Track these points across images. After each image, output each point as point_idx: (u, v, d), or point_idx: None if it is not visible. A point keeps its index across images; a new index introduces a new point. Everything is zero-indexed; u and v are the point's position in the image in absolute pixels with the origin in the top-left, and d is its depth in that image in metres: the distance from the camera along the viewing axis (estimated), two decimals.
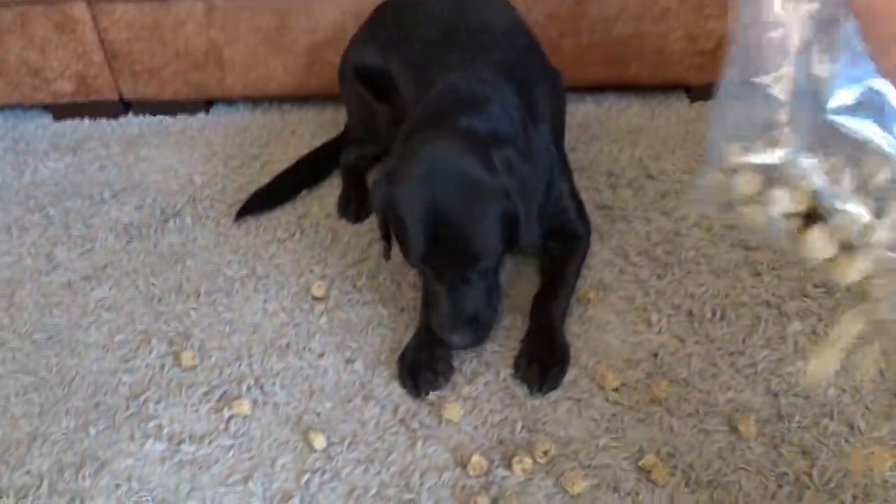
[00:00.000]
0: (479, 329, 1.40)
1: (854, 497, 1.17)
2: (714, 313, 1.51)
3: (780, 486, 1.19)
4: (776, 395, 1.34)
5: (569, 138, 2.01)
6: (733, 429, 1.27)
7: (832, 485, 1.18)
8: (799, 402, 1.32)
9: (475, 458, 1.24)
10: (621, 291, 1.59)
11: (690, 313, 1.52)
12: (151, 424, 1.36)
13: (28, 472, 1.29)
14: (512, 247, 1.41)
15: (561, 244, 1.62)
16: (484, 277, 1.39)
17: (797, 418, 1.29)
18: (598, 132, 2.16)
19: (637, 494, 1.19)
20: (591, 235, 1.68)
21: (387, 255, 1.53)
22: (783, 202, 0.77)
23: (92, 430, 1.36)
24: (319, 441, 1.29)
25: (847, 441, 1.25)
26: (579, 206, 1.67)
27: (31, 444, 1.34)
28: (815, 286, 1.56)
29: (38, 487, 1.26)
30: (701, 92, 2.26)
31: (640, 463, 1.23)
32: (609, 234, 1.75)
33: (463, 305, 1.37)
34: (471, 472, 1.24)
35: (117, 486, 1.26)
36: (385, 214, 1.42)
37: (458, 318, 1.37)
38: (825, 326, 1.46)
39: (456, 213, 1.31)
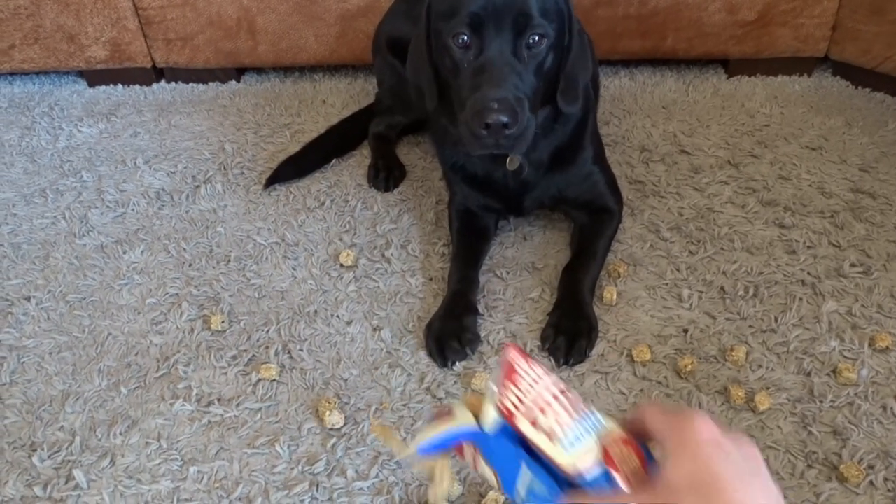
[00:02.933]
0: (519, 120, 1.26)
1: (886, 479, 1.15)
2: (747, 291, 1.49)
3: (809, 466, 1.18)
4: (808, 374, 1.31)
5: (602, 112, 1.99)
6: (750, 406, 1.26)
7: (863, 465, 1.16)
8: (832, 382, 1.30)
9: None
10: (652, 267, 1.57)
11: (722, 290, 1.50)
12: (181, 386, 1.38)
13: (61, 428, 1.31)
14: (555, 90, 1.37)
15: (592, 217, 1.60)
16: (533, 69, 1.30)
17: (830, 398, 1.27)
18: (631, 106, 2.13)
19: None
20: (623, 210, 1.66)
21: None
22: None
23: (123, 390, 1.38)
24: (335, 419, 1.28)
25: (880, 422, 1.23)
26: (611, 179, 1.65)
27: (64, 401, 1.36)
28: (853, 265, 1.53)
29: (71, 443, 1.28)
30: (740, 66, 2.22)
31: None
32: (641, 209, 1.73)
33: (508, 75, 1.26)
34: None
35: (147, 444, 1.28)
36: (429, 9, 1.36)
37: (504, 86, 1.25)
38: (861, 307, 1.44)
39: None
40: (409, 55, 1.47)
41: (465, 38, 1.30)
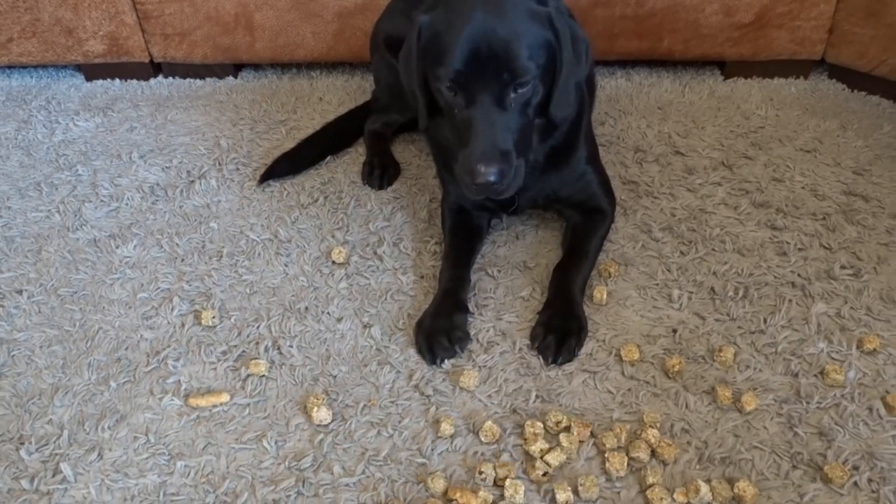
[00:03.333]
0: (509, 170, 1.31)
1: (870, 480, 1.15)
2: (736, 292, 1.49)
3: (794, 467, 1.18)
4: (796, 375, 1.32)
5: (597, 112, 1.99)
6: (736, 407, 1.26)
7: (848, 466, 1.16)
8: (819, 384, 1.30)
9: (488, 424, 1.24)
10: (643, 267, 1.57)
11: (712, 291, 1.50)
12: (170, 380, 1.38)
13: (50, 422, 1.32)
14: (547, 103, 1.38)
15: (585, 217, 1.60)
16: (521, 113, 1.34)
17: (816, 399, 1.27)
18: (627, 107, 2.13)
19: (648, 470, 1.18)
20: (616, 210, 1.66)
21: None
22: None
23: (112, 384, 1.38)
24: (322, 415, 1.29)
25: (865, 424, 1.23)
26: (604, 180, 1.65)
27: (53, 394, 1.36)
28: (843, 267, 1.53)
29: (59, 437, 1.29)
30: (736, 68, 2.22)
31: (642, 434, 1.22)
32: (633, 209, 1.73)
33: (494, 133, 1.30)
34: (483, 439, 1.24)
35: (135, 438, 1.28)
36: (421, 41, 1.37)
37: (490, 146, 1.30)
38: (850, 309, 1.44)
39: (499, 25, 1.29)
40: (401, 63, 1.48)
41: (453, 86, 1.33)
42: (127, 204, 1.85)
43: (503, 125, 1.32)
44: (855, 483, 1.14)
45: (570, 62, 1.37)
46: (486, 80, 1.30)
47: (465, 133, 1.33)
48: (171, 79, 2.41)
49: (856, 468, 1.16)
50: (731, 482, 1.15)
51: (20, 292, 1.59)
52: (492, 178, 1.30)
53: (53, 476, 1.23)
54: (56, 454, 1.26)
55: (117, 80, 2.40)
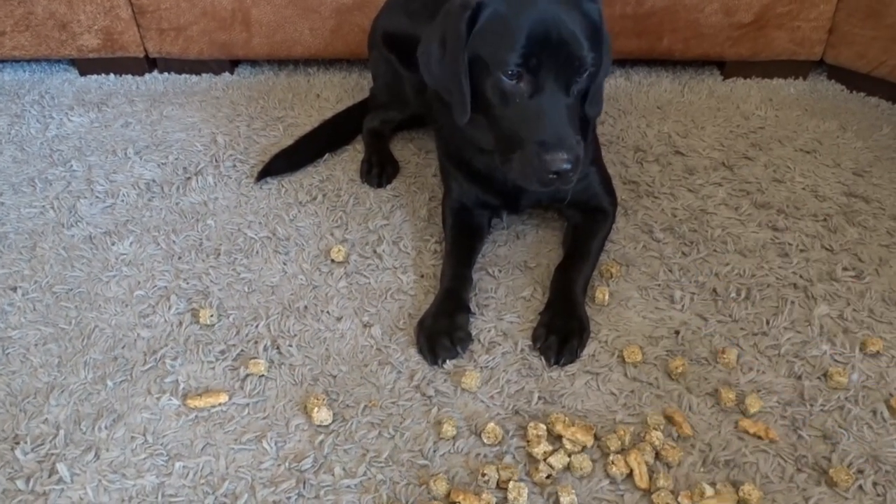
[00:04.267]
0: (579, 158, 1.32)
1: (875, 483, 1.14)
2: (739, 293, 1.48)
3: (798, 470, 1.17)
4: (800, 377, 1.31)
5: None
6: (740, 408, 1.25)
7: (853, 469, 1.16)
8: (822, 386, 1.30)
9: (490, 426, 1.23)
10: (644, 267, 1.56)
11: (714, 292, 1.49)
12: (168, 380, 1.36)
13: (45, 421, 1.30)
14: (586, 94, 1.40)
15: (586, 217, 1.59)
16: (577, 104, 1.36)
17: (820, 402, 1.27)
18: (626, 106, 2.12)
19: (652, 473, 1.17)
20: (617, 210, 1.65)
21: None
22: None
23: (109, 383, 1.36)
24: (322, 415, 1.27)
25: (870, 427, 1.23)
26: (607, 180, 1.64)
27: (49, 393, 1.34)
28: (845, 269, 1.53)
29: (55, 436, 1.27)
30: (735, 68, 2.22)
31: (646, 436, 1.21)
32: (634, 210, 1.72)
33: (564, 121, 1.31)
34: (485, 441, 1.23)
35: (132, 438, 1.26)
36: (476, 26, 1.35)
37: (564, 133, 1.30)
38: (853, 311, 1.43)
39: (564, 14, 1.31)
40: (428, 58, 1.44)
41: (518, 72, 1.32)
42: (122, 200, 1.83)
43: (570, 113, 1.33)
44: (860, 486, 1.14)
45: (608, 59, 1.41)
46: (555, 67, 1.31)
47: (534, 123, 1.32)
48: (166, 74, 2.38)
49: (861, 471, 1.16)
50: (735, 485, 1.14)
51: (14, 289, 1.57)
52: (567, 167, 1.30)
53: (49, 476, 1.21)
54: (52, 454, 1.24)
55: (112, 75, 2.38)
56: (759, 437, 1.21)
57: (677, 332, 1.41)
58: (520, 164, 1.34)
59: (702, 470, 1.18)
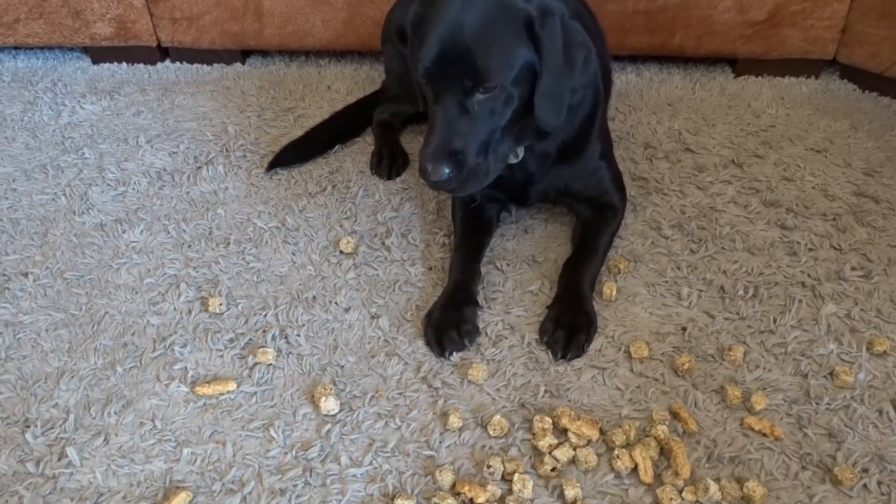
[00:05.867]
0: (461, 171, 1.30)
1: (879, 483, 1.15)
2: (746, 291, 1.49)
3: (803, 468, 1.18)
4: (806, 376, 1.31)
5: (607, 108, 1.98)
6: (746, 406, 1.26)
7: (857, 468, 1.16)
8: (828, 385, 1.30)
9: (496, 418, 1.24)
10: (652, 264, 1.57)
11: (722, 289, 1.49)
12: (177, 367, 1.37)
13: (55, 406, 1.31)
14: (527, 107, 1.33)
15: (595, 213, 1.60)
16: (486, 118, 1.30)
17: (826, 400, 1.27)
18: (637, 103, 2.12)
19: (657, 467, 1.18)
20: (626, 206, 1.65)
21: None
22: None
23: (119, 369, 1.37)
24: (330, 405, 1.28)
25: (875, 426, 1.23)
26: (617, 176, 1.64)
27: (59, 378, 1.36)
28: (853, 269, 1.53)
29: (65, 421, 1.28)
30: (747, 66, 2.22)
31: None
32: (643, 206, 1.72)
33: (450, 133, 1.29)
34: (491, 433, 1.23)
35: (141, 423, 1.27)
36: (412, 28, 1.35)
37: (440, 146, 1.29)
38: (860, 311, 1.43)
39: (470, 25, 1.26)
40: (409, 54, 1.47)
41: (424, 82, 1.33)
42: (133, 188, 1.84)
43: (461, 128, 1.30)
44: (864, 485, 1.14)
45: (557, 68, 1.31)
46: (448, 82, 1.29)
47: (429, 127, 1.34)
48: (178, 63, 2.39)
49: (865, 470, 1.16)
50: (740, 482, 1.14)
51: (26, 275, 1.58)
52: (435, 179, 1.30)
53: (59, 460, 1.22)
54: (62, 438, 1.26)
55: (124, 64, 2.38)
56: (765, 435, 1.22)
57: (684, 329, 1.42)
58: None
59: (706, 466, 1.18)
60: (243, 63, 2.38)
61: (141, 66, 2.38)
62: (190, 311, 1.49)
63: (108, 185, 1.85)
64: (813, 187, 1.77)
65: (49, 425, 1.28)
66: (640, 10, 2.11)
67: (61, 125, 2.09)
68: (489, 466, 1.17)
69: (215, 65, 2.37)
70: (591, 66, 1.38)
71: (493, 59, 1.27)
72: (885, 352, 1.35)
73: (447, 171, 1.29)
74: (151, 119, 2.11)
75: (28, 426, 1.27)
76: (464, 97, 1.29)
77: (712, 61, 2.29)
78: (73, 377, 1.36)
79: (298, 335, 1.43)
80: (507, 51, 1.28)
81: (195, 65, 2.38)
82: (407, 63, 1.85)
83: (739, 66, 2.22)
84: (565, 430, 1.22)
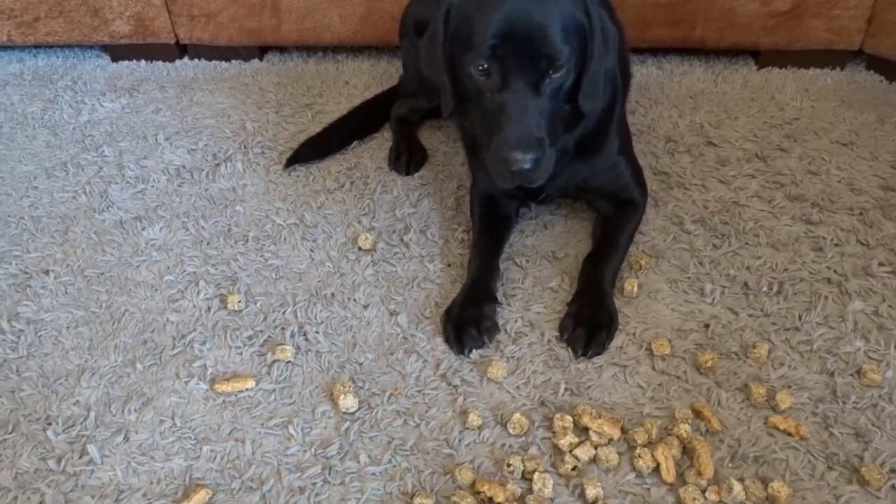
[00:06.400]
0: (543, 158, 1.28)
1: None
2: (771, 287, 1.46)
3: (829, 468, 1.15)
4: (832, 374, 1.29)
5: (628, 101, 1.95)
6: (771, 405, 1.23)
7: (885, 469, 1.13)
8: (855, 383, 1.27)
9: (516, 416, 1.23)
10: (674, 260, 1.54)
11: (746, 286, 1.47)
12: (196, 364, 1.38)
13: (76, 403, 1.32)
14: (576, 91, 1.33)
15: (616, 208, 1.58)
16: (554, 98, 1.30)
17: (853, 399, 1.24)
18: (658, 96, 2.09)
19: (679, 466, 1.16)
20: (647, 201, 1.63)
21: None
22: None
23: (139, 366, 1.38)
24: (349, 402, 1.28)
25: None
26: (637, 170, 1.62)
27: (80, 375, 1.36)
28: (881, 264, 1.49)
29: (86, 418, 1.29)
30: (771, 57, 2.18)
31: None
32: (665, 201, 1.70)
33: (532, 118, 1.27)
34: (511, 431, 1.22)
35: (161, 421, 1.28)
36: (449, 23, 1.33)
37: (525, 132, 1.26)
38: (888, 308, 1.40)
39: (534, 7, 1.25)
40: (423, 48, 1.45)
41: (486, 66, 1.29)
42: (153, 186, 1.84)
43: (537, 111, 1.28)
44: (893, 486, 1.12)
45: (601, 51, 1.33)
46: (521, 64, 1.26)
47: (498, 119, 1.29)
48: (196, 61, 2.40)
49: (893, 471, 1.14)
50: (764, 482, 1.12)
51: (47, 272, 1.59)
52: (527, 166, 1.27)
53: (80, 457, 1.23)
54: (83, 435, 1.26)
55: (143, 61, 2.40)
56: (790, 434, 1.19)
57: (707, 326, 1.39)
58: (489, 157, 1.32)
59: (730, 465, 1.16)
60: (261, 59, 2.38)
61: (160, 63, 2.39)
62: (209, 309, 1.49)
63: (128, 182, 1.86)
64: (839, 181, 1.73)
65: (70, 423, 1.28)
66: (662, 2, 2.08)
67: (81, 123, 2.11)
68: (509, 465, 1.16)
69: (233, 61, 2.37)
70: (625, 47, 1.37)
71: (561, 39, 1.27)
72: None
73: (533, 158, 1.27)
74: (170, 116, 2.12)
75: (49, 423, 1.28)
76: (536, 80, 1.28)
77: (735, 53, 2.25)
78: (93, 374, 1.37)
79: (317, 332, 1.43)
80: (570, 31, 1.28)
81: (213, 62, 2.38)
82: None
83: (762, 57, 2.18)
84: (586, 429, 1.20)
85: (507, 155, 1.27)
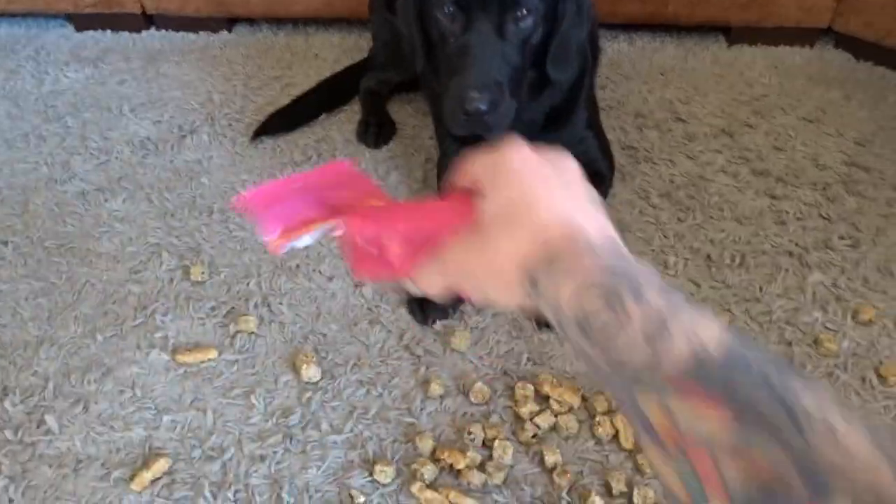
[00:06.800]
0: (499, 104, 1.24)
1: None
2: (733, 259, 1.47)
3: None
4: (790, 344, 1.31)
5: (598, 76, 1.95)
6: None
7: None
8: (812, 353, 1.29)
9: (478, 385, 1.23)
10: (640, 233, 1.55)
11: (709, 258, 1.48)
12: (157, 335, 1.36)
13: (35, 374, 1.30)
14: (544, 54, 1.30)
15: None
16: (518, 46, 1.26)
17: (809, 368, 1.26)
18: (629, 72, 2.09)
19: (637, 434, 1.17)
20: (614, 175, 1.64)
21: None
22: None
23: (99, 337, 1.36)
24: (311, 372, 1.27)
25: (858, 394, 1.22)
26: (604, 144, 1.62)
27: (38, 346, 1.34)
28: (841, 238, 1.51)
29: (44, 388, 1.27)
30: (741, 34, 2.18)
31: None
32: (632, 175, 1.70)
33: (493, 60, 1.23)
34: (473, 400, 1.23)
35: (121, 392, 1.27)
36: None
37: (483, 72, 1.23)
38: (847, 280, 1.42)
39: None
40: (399, 7, 1.43)
41: (451, 9, 1.26)
42: (116, 157, 1.81)
43: (500, 54, 1.25)
44: None
45: (573, 16, 1.32)
46: (485, 5, 1.23)
47: (460, 61, 1.26)
48: (163, 31, 2.35)
49: None
50: None
51: (6, 243, 1.56)
52: (482, 107, 1.22)
53: (38, 427, 1.21)
54: (41, 406, 1.25)
55: (108, 32, 2.34)
56: None
57: None
58: (445, 104, 1.28)
59: None
60: (230, 31, 2.34)
61: (125, 33, 2.34)
62: (172, 280, 1.48)
63: (91, 153, 1.82)
64: (804, 157, 1.75)
65: (28, 393, 1.27)
66: None
67: (44, 93, 2.06)
68: (470, 433, 1.17)
69: (201, 33, 2.33)
70: (593, 20, 1.35)
71: None
72: (869, 320, 1.34)
73: (489, 99, 1.23)
74: (136, 88, 2.08)
75: (7, 394, 1.27)
76: (500, 22, 1.25)
77: (706, 30, 2.25)
78: (52, 345, 1.35)
79: (281, 303, 1.42)
80: None
81: (181, 32, 2.34)
82: (394, 30, 1.83)
83: (733, 34, 2.18)
84: (547, 398, 1.21)
85: (464, 94, 1.23)
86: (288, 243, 0.66)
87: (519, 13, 1.25)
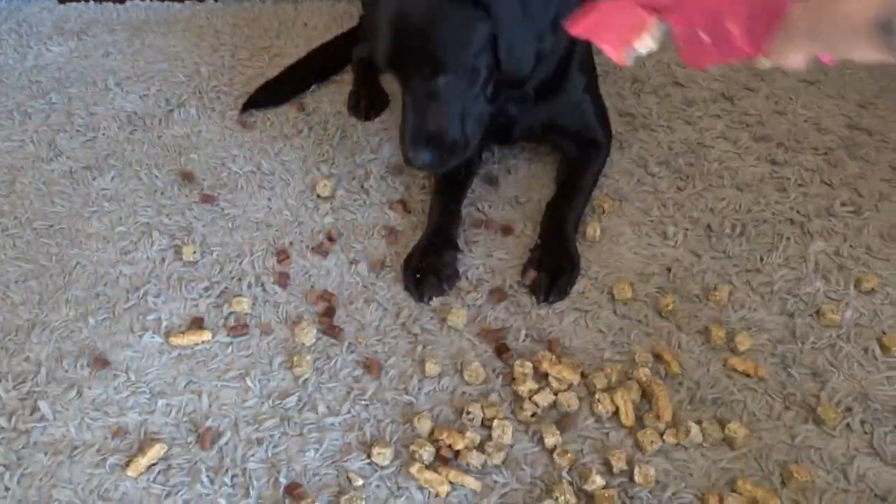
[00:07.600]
0: (442, 151, 1.31)
1: (862, 422, 1.13)
2: (734, 229, 1.45)
3: (787, 408, 1.16)
4: (792, 315, 1.29)
5: None
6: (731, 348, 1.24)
7: (841, 407, 1.14)
8: (815, 324, 1.27)
9: (476, 364, 1.22)
10: (638, 202, 1.53)
11: (709, 228, 1.46)
12: (150, 317, 1.34)
13: (27, 359, 1.28)
14: (496, 67, 1.29)
15: (579, 150, 1.55)
16: (455, 95, 1.28)
17: (811, 339, 1.25)
18: None
19: (638, 410, 1.16)
20: (611, 143, 1.60)
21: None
22: None
23: (91, 320, 1.34)
24: (305, 367, 1.25)
25: (860, 365, 1.21)
26: (601, 110, 1.59)
27: (30, 331, 1.33)
28: (843, 204, 1.49)
29: (37, 374, 1.25)
30: None
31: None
32: (629, 143, 1.67)
33: (423, 119, 1.29)
34: (467, 379, 1.21)
35: (115, 376, 1.25)
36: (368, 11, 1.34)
37: (417, 131, 1.29)
38: (849, 248, 1.40)
39: (420, 11, 1.22)
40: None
41: (388, 71, 1.30)
42: (103, 134, 1.77)
43: (433, 111, 1.28)
44: (847, 425, 1.13)
45: (515, 22, 1.25)
46: (410, 72, 1.27)
47: (402, 112, 1.32)
48: (148, 2, 2.29)
49: (849, 409, 1.15)
50: (721, 423, 1.13)
51: None
52: (427, 159, 1.30)
53: (32, 414, 1.20)
54: (34, 392, 1.23)
55: (91, 3, 2.28)
56: (748, 375, 1.20)
57: (669, 269, 1.38)
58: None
59: (689, 408, 1.17)
60: (216, 0, 2.28)
61: (109, 4, 2.27)
62: (163, 260, 1.45)
63: (77, 130, 1.78)
64: (805, 121, 1.71)
65: (21, 379, 1.25)
66: None
67: (27, 68, 2.01)
68: (468, 413, 1.15)
69: (187, 2, 2.27)
70: (551, 7, 1.30)
71: (448, 43, 1.23)
72: (872, 289, 1.32)
73: (429, 154, 1.30)
74: (121, 61, 2.03)
75: None
76: (427, 86, 1.27)
77: None
78: (44, 329, 1.33)
79: (275, 283, 1.40)
80: (460, 29, 1.23)
81: (166, 2, 2.27)
82: None
83: None
84: (546, 375, 1.20)
85: (405, 154, 1.30)
86: (632, 52, 0.81)
87: (443, 75, 1.25)
